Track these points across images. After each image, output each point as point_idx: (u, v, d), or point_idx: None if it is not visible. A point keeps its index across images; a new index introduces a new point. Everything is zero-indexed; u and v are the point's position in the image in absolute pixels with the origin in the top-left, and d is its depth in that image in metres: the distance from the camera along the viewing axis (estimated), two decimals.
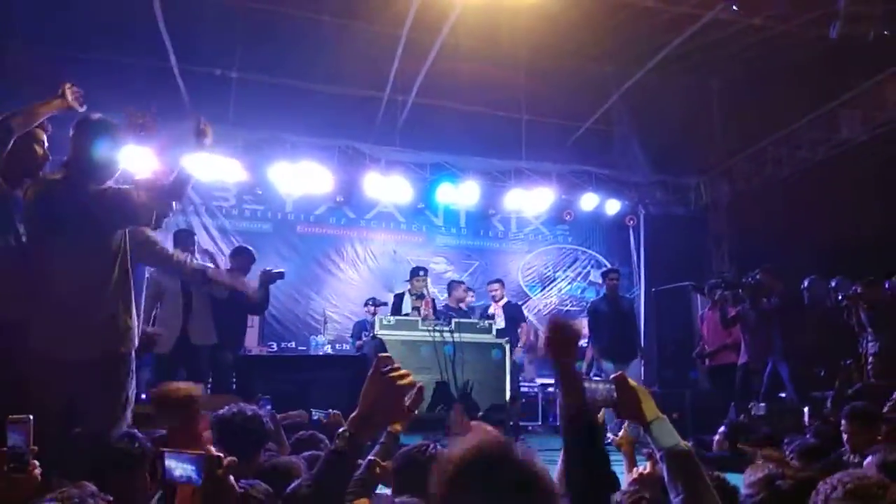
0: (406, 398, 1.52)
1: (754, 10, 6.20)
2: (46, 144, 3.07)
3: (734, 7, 5.94)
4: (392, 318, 6.69)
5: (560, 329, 1.71)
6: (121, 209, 2.83)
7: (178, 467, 1.50)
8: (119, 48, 7.20)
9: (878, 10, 6.03)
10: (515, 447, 1.16)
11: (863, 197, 7.13)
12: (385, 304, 7.67)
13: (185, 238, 5.82)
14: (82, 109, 3.09)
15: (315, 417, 3.05)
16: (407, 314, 6.84)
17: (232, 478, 1.50)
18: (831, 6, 6.10)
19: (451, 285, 7.91)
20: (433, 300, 7.08)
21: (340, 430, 1.45)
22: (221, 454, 1.50)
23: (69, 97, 3.03)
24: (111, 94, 6.81)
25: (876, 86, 7.17)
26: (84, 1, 6.73)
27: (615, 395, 1.67)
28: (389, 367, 1.48)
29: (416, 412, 1.63)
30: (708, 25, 6.79)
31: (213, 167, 8.01)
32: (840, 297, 5.75)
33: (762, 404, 5.59)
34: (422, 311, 6.71)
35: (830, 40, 6.19)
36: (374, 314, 7.66)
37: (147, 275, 5.46)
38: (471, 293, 8.13)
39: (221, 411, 2.41)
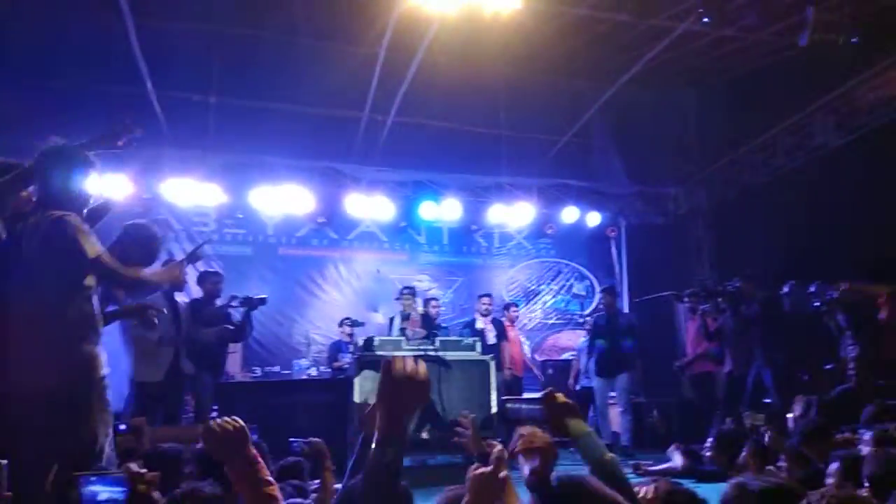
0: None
1: (725, 22, 6.31)
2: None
3: (705, 19, 6.03)
4: (378, 338, 6.64)
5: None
6: (71, 251, 2.74)
7: (104, 490, 1.48)
8: (94, 75, 7.15)
9: (845, 18, 6.16)
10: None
11: (840, 201, 7.21)
12: (362, 324, 7.63)
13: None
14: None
15: (296, 446, 3.00)
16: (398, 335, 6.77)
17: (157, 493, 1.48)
18: (800, 15, 6.22)
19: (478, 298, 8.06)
20: (424, 316, 7.07)
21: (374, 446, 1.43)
22: (144, 470, 1.48)
23: None
24: (87, 122, 6.85)
25: (848, 91, 7.29)
26: (57, 27, 6.70)
27: (537, 414, 1.74)
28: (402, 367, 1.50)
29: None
30: (681, 37, 6.88)
31: (192, 192, 7.98)
32: (818, 303, 5.80)
33: (761, 415, 5.61)
34: (408, 332, 6.68)
35: (801, 48, 6.30)
36: (350, 335, 7.62)
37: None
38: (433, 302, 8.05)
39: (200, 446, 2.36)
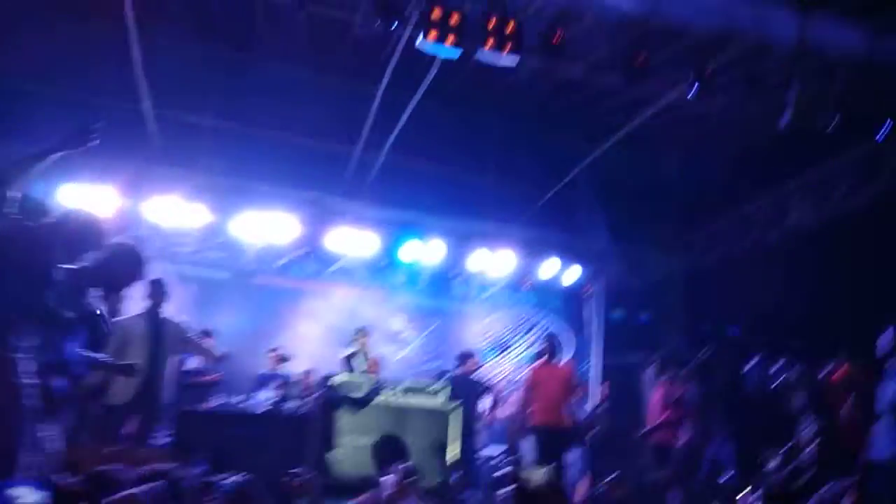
0: None
1: (709, 95, 6.49)
2: None
3: (689, 96, 6.21)
4: (341, 376, 6.60)
5: None
6: None
7: (28, 495, 1.49)
8: (93, 88, 7.21)
9: (826, 106, 6.36)
10: None
11: (810, 279, 7.35)
12: (288, 359, 7.57)
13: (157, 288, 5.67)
14: None
15: (222, 487, 2.94)
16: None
17: None
18: (782, 97, 6.41)
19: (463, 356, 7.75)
20: (376, 360, 7.04)
21: None
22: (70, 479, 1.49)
23: None
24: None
25: (824, 175, 7.48)
26: (57, 37, 6.78)
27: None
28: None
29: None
30: (665, 109, 7.08)
31: (176, 211, 7.98)
32: (775, 385, 5.86)
33: None
34: (368, 372, 6.66)
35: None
36: (274, 368, 7.50)
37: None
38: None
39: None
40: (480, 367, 8.02)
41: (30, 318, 2.89)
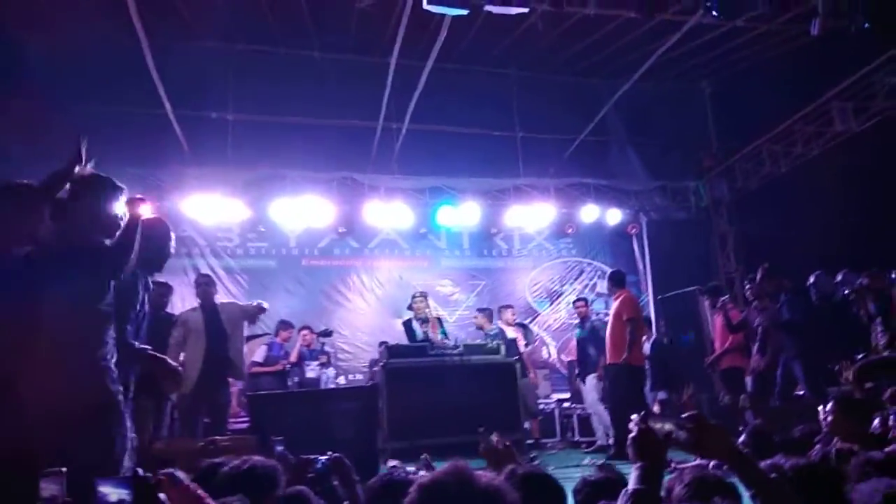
0: None
1: (734, 13, 6.25)
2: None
3: (713, 13, 5.99)
4: (402, 344, 6.68)
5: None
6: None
7: (113, 492, 1.55)
8: (115, 98, 7.30)
9: (857, 5, 6.07)
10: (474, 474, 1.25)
11: (862, 187, 7.12)
12: (330, 333, 7.70)
13: (206, 282, 5.87)
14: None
15: (319, 465, 3.03)
16: (422, 340, 6.80)
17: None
18: (810, 3, 6.15)
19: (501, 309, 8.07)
20: (439, 319, 7.09)
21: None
22: (149, 474, 1.54)
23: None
24: (109, 145, 6.99)
25: (864, 77, 7.19)
26: (76, 51, 6.85)
27: (681, 433, 1.68)
28: None
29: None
30: (692, 31, 6.85)
31: (215, 208, 8.12)
32: (846, 291, 5.73)
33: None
34: (430, 335, 6.71)
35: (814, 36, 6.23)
36: (310, 342, 7.59)
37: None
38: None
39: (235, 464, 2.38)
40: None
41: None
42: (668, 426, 1.69)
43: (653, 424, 1.71)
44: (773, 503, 1.57)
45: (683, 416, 1.71)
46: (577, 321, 7.84)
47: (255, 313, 5.81)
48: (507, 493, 1.25)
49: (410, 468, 3.04)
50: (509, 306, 8.28)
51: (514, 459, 2.57)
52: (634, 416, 1.76)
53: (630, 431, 1.72)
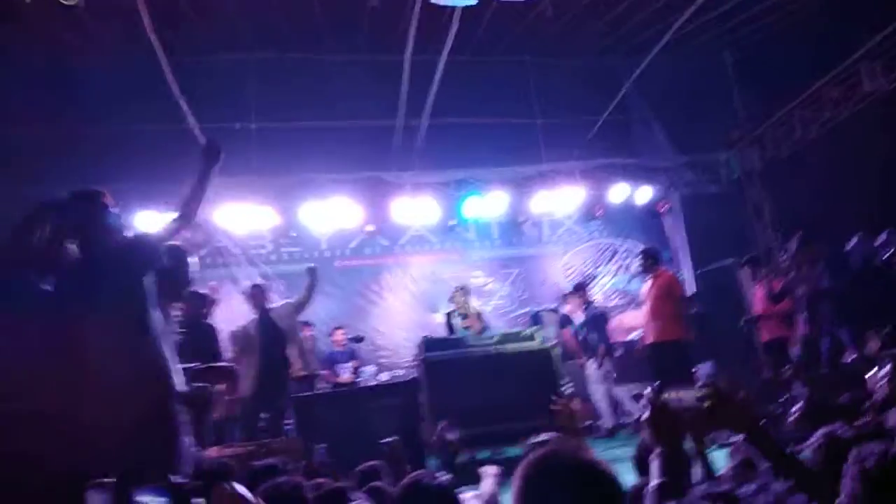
0: None
1: None
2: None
3: None
4: (438, 338, 6.70)
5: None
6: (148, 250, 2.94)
7: (151, 501, 1.57)
8: (137, 116, 7.42)
9: None
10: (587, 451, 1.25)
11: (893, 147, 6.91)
12: (362, 339, 7.89)
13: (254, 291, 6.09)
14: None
15: (384, 447, 3.15)
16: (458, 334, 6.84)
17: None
18: None
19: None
20: (479, 314, 7.10)
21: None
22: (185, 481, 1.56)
23: None
24: (132, 163, 7.17)
25: (891, 35, 6.97)
26: (95, 76, 7.01)
27: (704, 403, 1.61)
28: None
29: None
30: (706, 5, 6.73)
31: (246, 218, 8.23)
32: (887, 254, 5.57)
33: None
34: (470, 330, 6.74)
35: None
36: (344, 344, 7.69)
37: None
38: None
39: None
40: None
41: None
42: (684, 397, 1.64)
43: (668, 397, 1.66)
44: (791, 477, 1.53)
45: (699, 385, 1.64)
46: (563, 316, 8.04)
47: (305, 297, 5.94)
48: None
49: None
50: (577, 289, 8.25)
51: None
52: (647, 391, 1.71)
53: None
